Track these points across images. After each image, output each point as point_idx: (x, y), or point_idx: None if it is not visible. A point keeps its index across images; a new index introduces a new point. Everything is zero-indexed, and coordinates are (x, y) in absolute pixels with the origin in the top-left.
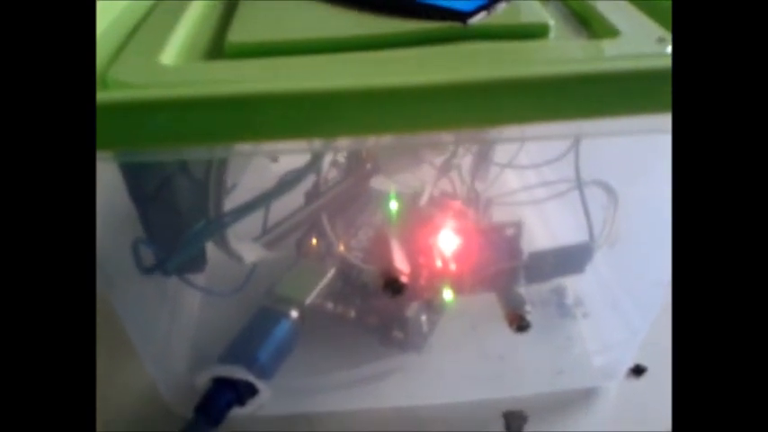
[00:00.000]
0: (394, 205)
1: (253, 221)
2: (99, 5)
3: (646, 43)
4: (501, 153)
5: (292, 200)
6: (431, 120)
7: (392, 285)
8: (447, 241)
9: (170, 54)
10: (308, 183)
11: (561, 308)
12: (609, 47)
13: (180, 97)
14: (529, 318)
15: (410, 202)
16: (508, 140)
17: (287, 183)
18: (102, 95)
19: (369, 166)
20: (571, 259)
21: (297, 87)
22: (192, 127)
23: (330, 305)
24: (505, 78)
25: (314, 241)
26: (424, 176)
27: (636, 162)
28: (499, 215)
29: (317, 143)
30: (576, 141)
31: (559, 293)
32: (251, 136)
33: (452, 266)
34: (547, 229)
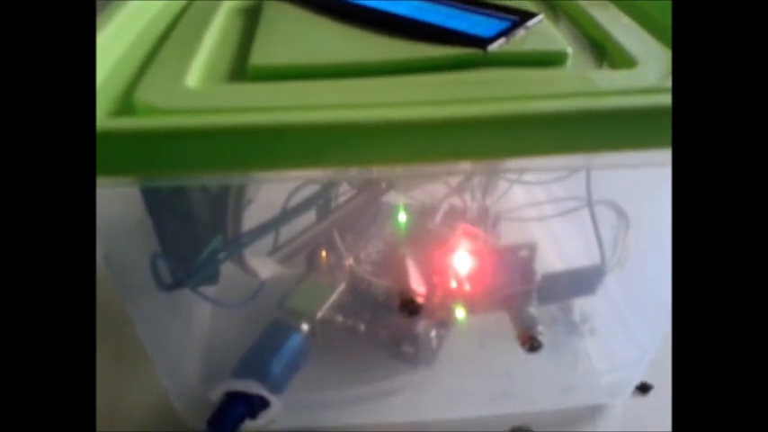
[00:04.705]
0: (403, 218)
1: (265, 237)
2: (121, 22)
3: (662, 74)
4: (506, 173)
5: (304, 215)
6: (449, 150)
7: (408, 306)
8: (462, 262)
9: (194, 76)
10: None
11: (569, 325)
12: (626, 78)
13: (206, 126)
14: (541, 338)
15: (422, 219)
16: (522, 170)
17: (303, 205)
18: (129, 122)
19: (383, 184)
20: (583, 281)
21: (318, 119)
22: (216, 155)
23: (340, 318)
24: (525, 113)
25: (324, 254)
26: (435, 191)
27: (645, 183)
28: (507, 231)
29: (333, 171)
30: (587, 168)
31: (566, 311)
32: (271, 165)
33: (467, 287)
34: (555, 246)
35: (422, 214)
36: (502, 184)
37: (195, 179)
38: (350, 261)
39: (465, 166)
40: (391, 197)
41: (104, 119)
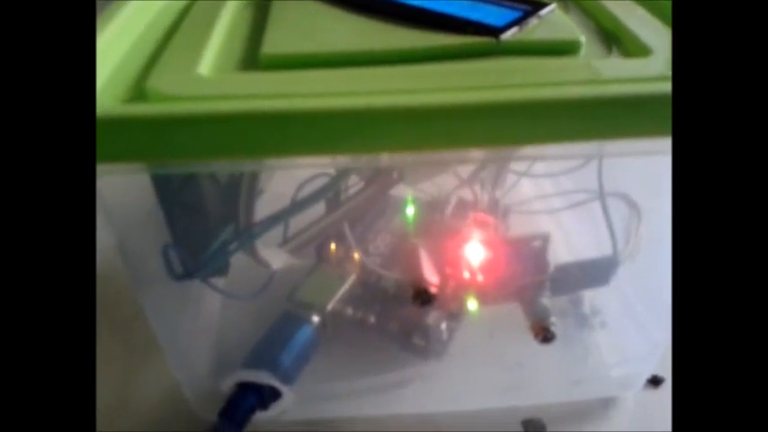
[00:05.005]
0: (411, 210)
1: (275, 228)
2: (132, 13)
3: None
4: (519, 161)
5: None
6: (461, 138)
7: (422, 296)
8: (475, 252)
9: (206, 64)
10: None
11: (579, 318)
12: (641, 66)
13: (219, 113)
14: (554, 329)
15: (431, 212)
16: (535, 158)
17: (314, 195)
18: (142, 108)
19: (394, 175)
20: (596, 272)
21: (330, 106)
22: (228, 141)
23: (350, 310)
24: (538, 100)
25: (333, 247)
26: (444, 183)
27: (657, 174)
28: (517, 223)
29: (345, 159)
30: (600, 156)
31: (577, 303)
32: (284, 151)
33: (480, 278)
34: (565, 237)
35: (431, 207)
36: (511, 177)
37: (207, 166)
38: (359, 253)
39: (477, 154)
40: (400, 190)
41: (116, 106)
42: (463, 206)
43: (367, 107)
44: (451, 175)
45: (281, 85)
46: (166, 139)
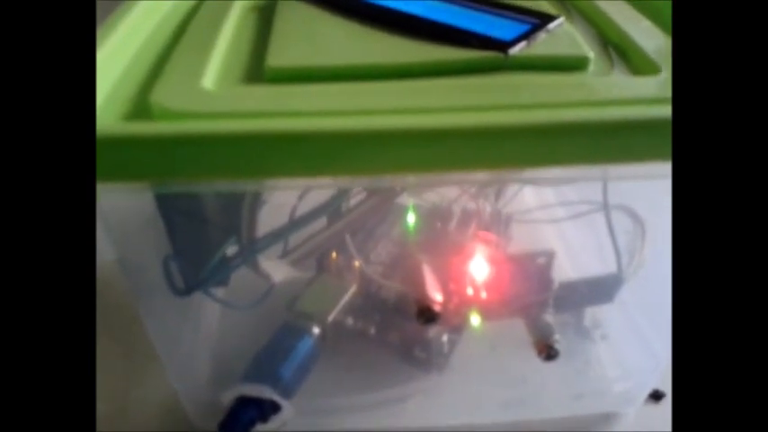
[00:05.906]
0: (412, 218)
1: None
2: (132, 23)
3: None
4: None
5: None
6: (468, 160)
7: (426, 314)
8: (479, 269)
9: (210, 76)
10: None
11: (580, 331)
12: (650, 85)
13: (225, 133)
14: (557, 347)
15: (433, 220)
16: (543, 180)
17: (318, 210)
18: (145, 127)
19: (398, 187)
20: (600, 289)
21: (336, 127)
22: (234, 161)
23: (351, 321)
24: (548, 123)
25: (334, 256)
26: (447, 192)
27: (661, 188)
28: (519, 234)
29: (350, 179)
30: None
31: (577, 316)
32: (290, 172)
33: (483, 294)
34: (567, 250)
35: (433, 215)
36: (514, 185)
37: (210, 186)
38: (362, 264)
39: (481, 175)
40: (402, 198)
41: (118, 123)
42: (465, 217)
43: (372, 129)
44: (454, 185)
45: (286, 101)
46: (170, 158)
